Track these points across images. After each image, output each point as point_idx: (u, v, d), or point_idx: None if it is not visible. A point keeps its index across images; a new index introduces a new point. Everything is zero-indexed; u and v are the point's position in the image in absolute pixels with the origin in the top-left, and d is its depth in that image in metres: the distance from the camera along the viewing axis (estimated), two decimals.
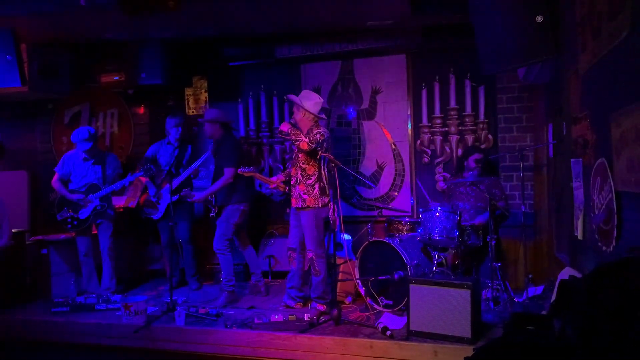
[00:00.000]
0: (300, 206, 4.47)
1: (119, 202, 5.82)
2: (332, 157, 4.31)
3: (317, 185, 4.44)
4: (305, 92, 4.60)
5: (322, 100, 4.59)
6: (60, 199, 5.15)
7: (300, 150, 4.43)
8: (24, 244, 5.35)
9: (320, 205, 4.44)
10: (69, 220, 5.10)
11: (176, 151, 5.38)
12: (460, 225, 4.29)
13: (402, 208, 5.55)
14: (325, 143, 4.33)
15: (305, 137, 4.35)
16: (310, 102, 4.47)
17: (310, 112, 4.45)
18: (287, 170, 4.80)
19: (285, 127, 4.42)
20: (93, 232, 5.26)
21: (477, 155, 4.84)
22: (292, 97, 4.54)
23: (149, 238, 6.05)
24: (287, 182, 4.73)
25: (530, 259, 4.87)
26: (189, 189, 5.04)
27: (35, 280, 5.30)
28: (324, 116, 4.69)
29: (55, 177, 5.19)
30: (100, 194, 5.08)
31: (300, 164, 4.46)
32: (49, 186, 5.30)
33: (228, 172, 4.78)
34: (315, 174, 4.44)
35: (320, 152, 4.35)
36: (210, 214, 5.16)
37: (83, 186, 5.13)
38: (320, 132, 4.37)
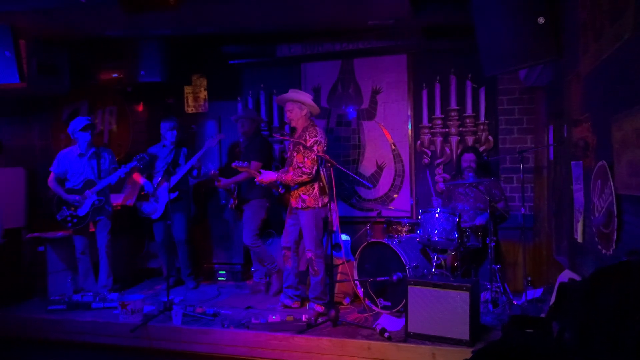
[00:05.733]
0: (300, 206, 4.44)
1: (117, 200, 5.80)
2: (328, 157, 4.28)
3: (316, 185, 4.42)
4: (293, 90, 4.58)
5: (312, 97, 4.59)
6: (58, 198, 5.12)
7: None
8: (20, 242, 5.32)
9: (320, 205, 4.42)
10: (68, 218, 5.07)
11: (172, 153, 5.39)
12: (459, 227, 4.27)
13: (402, 209, 5.54)
14: (321, 146, 4.36)
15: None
16: (303, 95, 4.46)
17: (307, 104, 4.44)
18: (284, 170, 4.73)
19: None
20: (90, 230, 5.23)
21: (468, 155, 4.83)
22: (285, 95, 4.51)
23: (146, 237, 6.02)
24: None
25: (530, 262, 4.86)
26: (217, 171, 5.29)
27: (32, 277, 5.27)
28: (317, 109, 4.62)
29: (51, 176, 5.15)
30: (96, 189, 5.06)
31: (298, 164, 4.41)
32: (47, 183, 5.28)
33: (254, 165, 4.88)
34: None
35: (317, 151, 4.33)
36: (229, 203, 5.34)
37: (80, 182, 5.11)
38: (316, 140, 4.34)
